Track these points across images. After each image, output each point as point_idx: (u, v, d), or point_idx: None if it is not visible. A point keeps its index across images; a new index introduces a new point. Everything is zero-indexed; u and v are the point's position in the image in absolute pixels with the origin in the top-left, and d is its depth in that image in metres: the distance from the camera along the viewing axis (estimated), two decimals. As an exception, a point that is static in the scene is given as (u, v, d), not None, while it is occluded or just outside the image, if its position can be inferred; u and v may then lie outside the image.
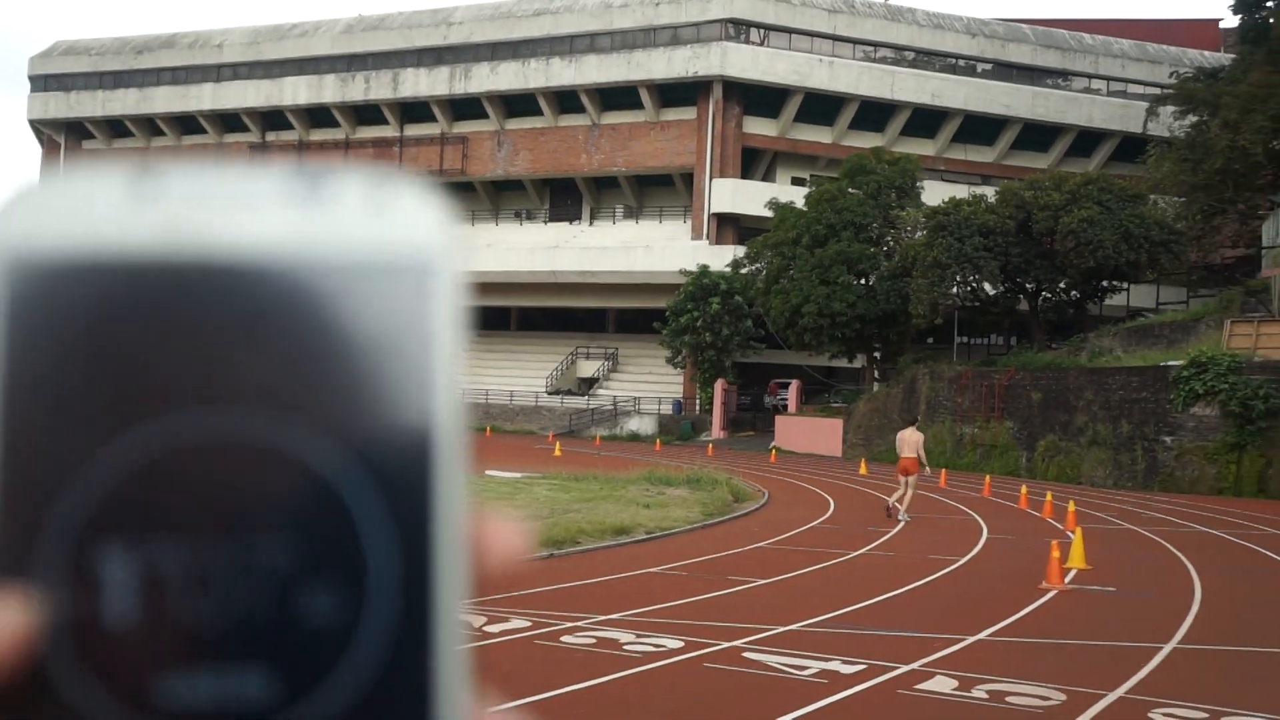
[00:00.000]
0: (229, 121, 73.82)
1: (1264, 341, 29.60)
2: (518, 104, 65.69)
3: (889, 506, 20.87)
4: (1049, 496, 23.82)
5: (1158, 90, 56.12)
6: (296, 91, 70.61)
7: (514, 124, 66.31)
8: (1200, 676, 9.01)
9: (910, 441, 20.21)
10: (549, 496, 21.57)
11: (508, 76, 64.73)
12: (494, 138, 66.80)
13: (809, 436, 46.61)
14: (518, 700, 7.36)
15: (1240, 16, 48.71)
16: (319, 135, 71.63)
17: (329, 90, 69.72)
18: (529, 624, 9.89)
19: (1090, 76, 63.38)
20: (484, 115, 66.51)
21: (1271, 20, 45.22)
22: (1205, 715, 7.69)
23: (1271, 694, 8.61)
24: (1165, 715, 7.66)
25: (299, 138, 71.89)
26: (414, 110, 68.54)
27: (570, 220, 66.86)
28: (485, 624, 9.70)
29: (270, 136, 73.14)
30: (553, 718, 7.27)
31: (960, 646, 9.74)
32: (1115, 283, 41.33)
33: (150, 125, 75.06)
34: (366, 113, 70.06)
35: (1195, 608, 12.10)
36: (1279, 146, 43.91)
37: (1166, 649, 9.90)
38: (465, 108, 67.14)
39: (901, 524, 19.64)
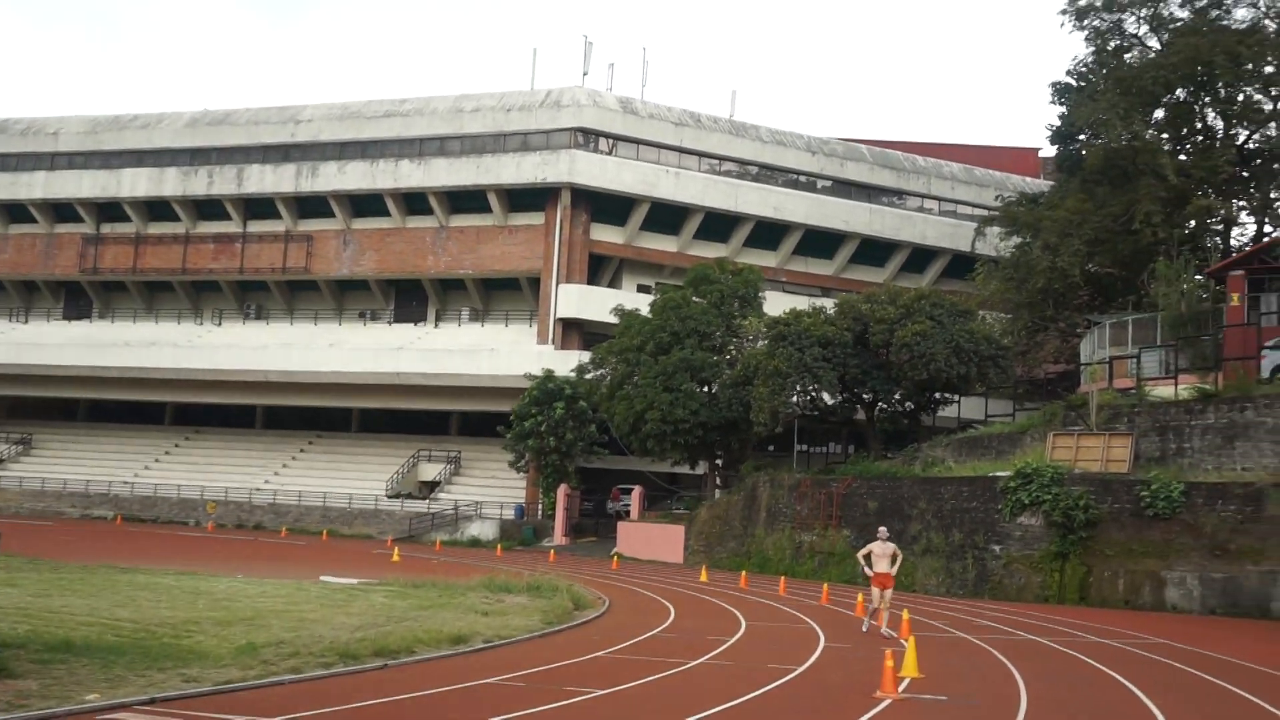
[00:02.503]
0: (61, 211, 71.56)
1: (1083, 454, 30.90)
2: (365, 204, 65.34)
3: (868, 628, 20.69)
4: (884, 604, 24.10)
5: (985, 212, 59.22)
6: (135, 183, 68.91)
7: (360, 224, 65.82)
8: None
9: (886, 555, 20.28)
10: (385, 603, 21.00)
11: (355, 176, 64.43)
12: (340, 237, 66.14)
13: (651, 543, 46.59)
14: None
15: (1057, 147, 52.04)
16: (157, 229, 69.85)
17: (170, 183, 68.23)
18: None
19: (923, 196, 66.43)
20: (330, 214, 65.88)
21: (1084, 152, 48.30)
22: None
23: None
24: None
25: (136, 230, 69.95)
26: (258, 206, 67.48)
27: (415, 322, 66.33)
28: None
29: (105, 229, 71.00)
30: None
31: (796, 758, 9.73)
32: (947, 394, 42.78)
33: (-24, 212, 72.15)
34: (209, 208, 68.67)
35: (1021, 715, 12.38)
36: (1094, 269, 46.63)
37: (994, 758, 10.07)
38: (311, 206, 66.42)
39: (886, 637, 19.64)
